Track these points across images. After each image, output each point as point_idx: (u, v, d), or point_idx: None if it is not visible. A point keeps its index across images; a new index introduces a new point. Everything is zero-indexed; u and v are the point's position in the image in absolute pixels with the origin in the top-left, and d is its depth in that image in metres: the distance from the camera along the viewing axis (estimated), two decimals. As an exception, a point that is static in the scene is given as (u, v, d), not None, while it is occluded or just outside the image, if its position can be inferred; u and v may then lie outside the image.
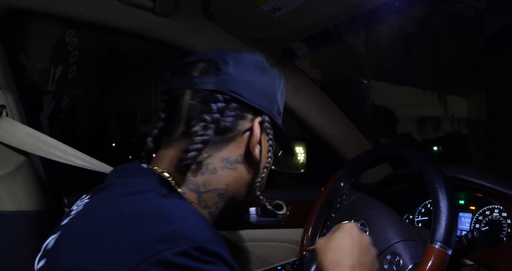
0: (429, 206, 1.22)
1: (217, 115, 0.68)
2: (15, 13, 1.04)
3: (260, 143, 0.73)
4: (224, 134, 0.70)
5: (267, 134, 0.75)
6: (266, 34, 1.19)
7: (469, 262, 1.00)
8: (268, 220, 1.45)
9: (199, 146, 0.65)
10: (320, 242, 0.80)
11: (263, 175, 0.77)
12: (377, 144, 1.60)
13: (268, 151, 0.76)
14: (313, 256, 1.16)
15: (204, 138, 0.65)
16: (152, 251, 0.49)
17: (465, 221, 1.12)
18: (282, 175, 1.74)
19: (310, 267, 1.14)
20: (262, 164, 0.77)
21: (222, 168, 0.70)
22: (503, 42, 0.95)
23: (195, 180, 0.68)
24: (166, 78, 0.74)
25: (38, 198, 1.11)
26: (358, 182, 1.50)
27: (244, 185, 0.75)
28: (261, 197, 0.79)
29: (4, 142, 1.05)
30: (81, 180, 1.27)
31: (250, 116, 0.72)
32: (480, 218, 1.09)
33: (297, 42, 1.30)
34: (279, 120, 0.79)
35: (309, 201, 1.36)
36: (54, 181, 1.19)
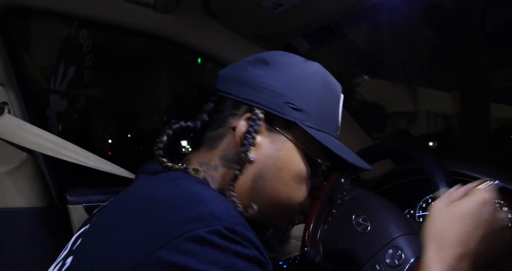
0: (430, 201, 1.23)
1: (204, 115, 0.70)
2: (16, 10, 1.04)
3: (247, 139, 0.65)
4: (217, 130, 0.70)
5: (249, 129, 0.66)
6: (267, 31, 1.19)
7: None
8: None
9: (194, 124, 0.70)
10: (438, 205, 0.66)
11: (267, 186, 0.68)
12: (378, 139, 1.60)
13: (242, 144, 0.66)
14: (315, 252, 1.16)
15: (187, 125, 0.69)
16: (186, 229, 0.50)
17: (466, 216, 1.12)
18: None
19: (313, 262, 1.15)
20: (267, 170, 0.67)
21: (221, 165, 0.68)
22: (502, 39, 0.95)
23: (207, 177, 0.68)
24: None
25: (41, 194, 1.12)
26: (360, 177, 1.51)
27: (243, 191, 0.68)
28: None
29: (7, 139, 1.06)
30: (84, 176, 1.27)
31: (241, 112, 0.68)
32: (481, 212, 1.09)
33: (299, 38, 1.30)
34: (288, 114, 0.67)
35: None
36: (57, 177, 1.20)
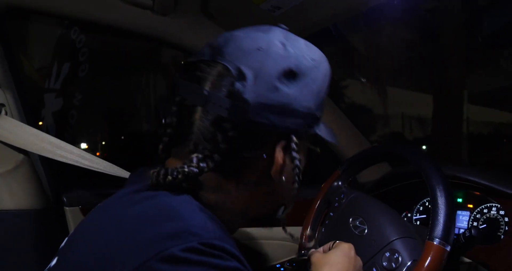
0: (427, 204, 1.23)
1: (224, 146, 0.59)
2: (14, 11, 1.03)
3: (283, 165, 0.64)
4: (237, 161, 0.63)
5: (292, 159, 0.64)
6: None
7: (467, 260, 1.01)
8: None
9: (196, 170, 0.58)
10: (316, 255, 0.80)
11: (290, 191, 0.69)
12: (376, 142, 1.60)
13: (294, 169, 0.65)
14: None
15: (203, 166, 0.58)
16: (160, 247, 0.49)
17: (463, 219, 1.12)
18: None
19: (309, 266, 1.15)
20: (287, 182, 0.67)
21: (238, 190, 0.64)
22: (501, 41, 0.96)
23: (206, 195, 0.63)
24: (177, 80, 0.66)
25: (38, 196, 1.11)
26: (357, 180, 1.51)
27: (266, 204, 0.72)
28: (283, 216, 0.76)
29: (3, 140, 1.05)
30: (80, 178, 1.26)
31: (270, 140, 0.63)
32: (478, 216, 1.09)
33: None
34: (315, 128, 0.66)
35: (308, 199, 1.36)
36: (53, 179, 1.19)
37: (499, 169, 1.16)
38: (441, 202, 0.87)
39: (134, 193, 0.59)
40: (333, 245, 0.83)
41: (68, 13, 1.07)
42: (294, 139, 0.63)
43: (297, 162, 0.64)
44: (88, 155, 1.09)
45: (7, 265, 1.06)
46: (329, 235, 1.14)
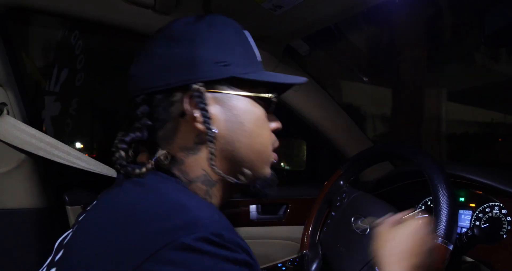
0: (429, 203, 1.22)
1: (144, 120, 0.66)
2: (16, 10, 1.04)
3: (205, 116, 0.64)
4: (165, 126, 0.67)
5: (200, 106, 0.64)
6: (267, 32, 1.19)
7: (469, 259, 1.01)
8: (269, 218, 1.45)
9: (124, 146, 0.65)
10: (384, 227, 0.82)
11: (234, 143, 0.67)
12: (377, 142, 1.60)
13: (204, 122, 0.64)
14: (314, 254, 1.16)
15: (133, 135, 0.65)
16: (171, 237, 0.49)
17: (465, 218, 1.12)
18: (283, 172, 1.75)
19: (311, 265, 1.15)
20: (227, 134, 0.67)
21: (187, 156, 0.66)
22: (502, 41, 0.96)
23: (178, 174, 0.66)
24: None
25: (39, 195, 1.11)
26: (359, 179, 1.51)
27: (228, 166, 0.69)
28: (248, 174, 0.70)
29: (5, 140, 1.05)
30: (82, 177, 1.27)
31: (177, 98, 0.66)
32: (480, 215, 1.09)
33: (299, 40, 1.30)
34: (225, 72, 0.66)
35: (310, 198, 1.36)
36: (55, 178, 1.19)
37: (501, 167, 1.15)
38: (443, 200, 0.87)
39: (135, 187, 0.61)
40: (403, 218, 0.83)
41: (69, 12, 1.07)
42: (198, 87, 0.64)
43: (203, 112, 0.64)
44: (85, 157, 1.10)
45: (9, 263, 1.07)
46: (330, 234, 1.14)
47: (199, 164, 0.67)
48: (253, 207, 1.43)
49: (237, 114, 0.67)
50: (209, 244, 0.50)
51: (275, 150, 0.75)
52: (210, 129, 0.64)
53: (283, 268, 1.44)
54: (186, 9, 1.13)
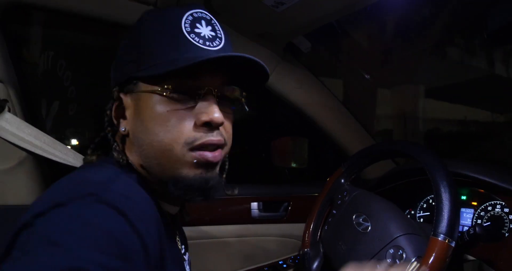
0: (431, 201, 1.22)
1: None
2: (17, 7, 1.03)
3: (111, 116, 0.71)
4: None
5: (109, 107, 0.72)
6: (269, 29, 1.19)
7: (471, 258, 1.00)
8: (270, 215, 1.45)
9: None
10: None
11: (142, 143, 0.66)
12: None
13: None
14: (316, 252, 1.16)
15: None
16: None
17: (467, 217, 1.12)
18: (285, 169, 1.75)
19: (312, 263, 1.14)
20: (135, 131, 0.67)
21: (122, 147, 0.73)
22: (505, 38, 0.95)
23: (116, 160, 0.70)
24: None
25: (41, 192, 1.11)
26: (360, 177, 1.50)
27: (139, 159, 0.69)
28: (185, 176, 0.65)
29: (6, 138, 1.06)
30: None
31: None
32: (482, 213, 1.09)
33: (300, 37, 1.29)
34: (126, 71, 0.67)
35: (311, 195, 1.36)
36: (56, 175, 1.19)
37: (503, 166, 1.15)
38: (445, 197, 0.87)
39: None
40: None
41: (70, 9, 1.07)
42: (114, 92, 0.70)
43: (110, 113, 0.71)
44: (82, 157, 1.10)
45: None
46: (332, 232, 1.14)
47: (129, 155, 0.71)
48: (254, 205, 1.43)
49: (140, 113, 0.66)
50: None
51: (203, 146, 0.65)
52: (118, 128, 0.71)
53: (284, 266, 1.44)
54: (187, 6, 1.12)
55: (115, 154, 0.69)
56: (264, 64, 0.65)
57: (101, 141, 0.77)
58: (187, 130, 0.63)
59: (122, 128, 0.69)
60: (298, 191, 1.51)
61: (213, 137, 0.64)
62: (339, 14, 1.08)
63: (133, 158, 0.70)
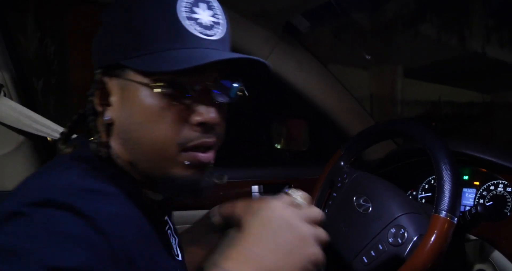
0: (432, 182, 1.22)
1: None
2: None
3: (106, 101, 0.63)
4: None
5: (91, 92, 0.64)
6: (266, 7, 1.17)
7: (473, 237, 1.00)
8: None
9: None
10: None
11: (129, 137, 0.62)
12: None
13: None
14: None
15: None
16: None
17: (469, 197, 1.11)
18: (285, 152, 1.74)
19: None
20: (123, 123, 0.62)
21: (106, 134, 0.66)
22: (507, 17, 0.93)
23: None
24: None
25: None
26: (362, 158, 1.49)
27: (126, 152, 0.64)
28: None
29: (3, 121, 1.06)
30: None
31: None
32: (484, 193, 1.08)
33: (299, 16, 1.27)
34: (115, 56, 0.60)
35: (312, 178, 1.35)
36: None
37: (506, 144, 1.13)
38: (446, 175, 0.86)
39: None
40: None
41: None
42: (97, 74, 0.63)
43: (92, 99, 0.64)
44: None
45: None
46: (333, 215, 1.14)
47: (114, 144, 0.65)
48: (255, 188, 1.43)
49: (127, 103, 0.61)
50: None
51: (195, 148, 0.61)
52: (102, 116, 0.63)
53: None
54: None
55: (93, 147, 0.62)
56: (267, 63, 0.61)
57: (75, 127, 0.71)
58: (181, 131, 0.60)
59: (106, 117, 0.63)
60: (299, 173, 1.51)
61: (208, 138, 0.61)
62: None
63: (118, 148, 0.64)
